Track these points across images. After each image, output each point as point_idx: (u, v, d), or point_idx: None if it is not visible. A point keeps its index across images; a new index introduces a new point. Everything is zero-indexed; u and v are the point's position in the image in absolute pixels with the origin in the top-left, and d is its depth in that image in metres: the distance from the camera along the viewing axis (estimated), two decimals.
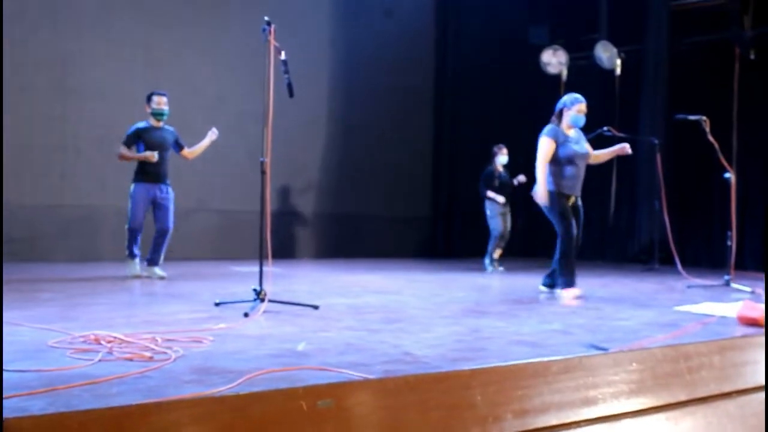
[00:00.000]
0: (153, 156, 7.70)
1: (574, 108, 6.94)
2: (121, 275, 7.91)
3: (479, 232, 13.82)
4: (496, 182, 10.38)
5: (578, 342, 4.25)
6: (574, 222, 6.87)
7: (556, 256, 6.91)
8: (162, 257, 7.97)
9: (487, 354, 3.84)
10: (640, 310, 5.93)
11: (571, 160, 6.86)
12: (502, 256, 10.69)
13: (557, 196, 6.87)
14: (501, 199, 10.37)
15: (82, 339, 3.85)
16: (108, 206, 9.99)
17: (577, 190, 6.97)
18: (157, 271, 7.88)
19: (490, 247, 10.50)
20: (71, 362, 3.32)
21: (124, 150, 7.79)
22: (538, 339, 4.35)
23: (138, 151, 7.83)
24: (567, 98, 7.04)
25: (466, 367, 3.29)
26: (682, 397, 3.14)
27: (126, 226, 7.82)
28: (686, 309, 6.04)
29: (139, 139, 7.83)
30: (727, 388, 3.37)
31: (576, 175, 6.91)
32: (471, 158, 13.67)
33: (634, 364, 3.02)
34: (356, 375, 3.08)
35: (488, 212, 10.50)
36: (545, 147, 6.87)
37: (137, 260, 7.86)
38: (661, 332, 4.62)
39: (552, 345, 4.14)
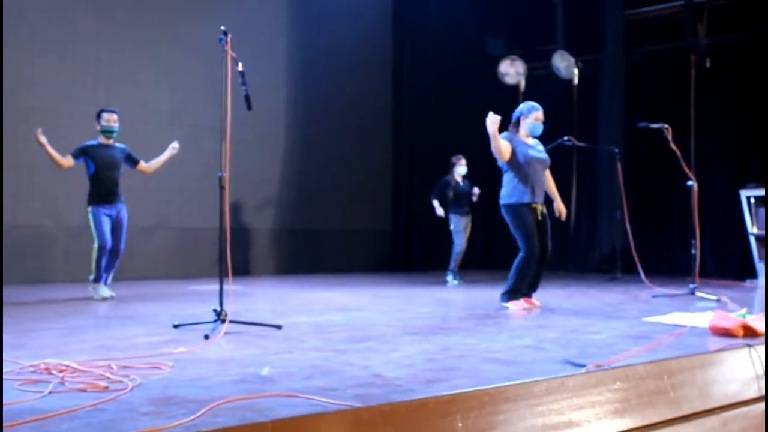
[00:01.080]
0: (39, 135, 7.35)
1: (531, 116, 6.91)
2: (73, 297, 7.68)
3: (439, 246, 13.77)
4: (451, 193, 10.28)
5: (552, 358, 4.12)
6: (536, 240, 6.78)
7: (512, 269, 6.86)
8: (110, 278, 7.80)
9: (461, 374, 3.70)
10: (610, 322, 5.84)
11: (529, 164, 6.81)
12: (460, 267, 10.57)
13: (520, 208, 6.79)
14: (440, 212, 10.26)
15: (31, 369, 3.64)
16: (61, 227, 9.72)
17: (539, 197, 6.90)
18: (107, 290, 7.65)
19: (452, 261, 10.39)
20: (19, 395, 3.11)
21: (52, 153, 7.47)
22: (510, 356, 4.22)
23: (87, 169, 7.62)
24: (523, 106, 7.03)
25: (441, 389, 3.15)
26: (668, 415, 3.01)
27: (94, 246, 7.58)
28: (655, 320, 5.97)
29: (84, 155, 7.60)
30: (711, 404, 3.25)
31: (537, 180, 6.85)
32: (431, 170, 13.59)
33: (618, 383, 2.89)
34: (326, 401, 2.91)
35: (452, 226, 10.40)
36: (501, 142, 6.73)
37: (104, 284, 7.67)
38: (634, 345, 4.52)
39: (526, 362, 4.00)
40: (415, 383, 3.44)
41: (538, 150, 6.95)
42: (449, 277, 10.33)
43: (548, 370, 3.69)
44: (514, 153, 6.80)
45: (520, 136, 6.92)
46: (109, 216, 7.62)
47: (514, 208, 6.81)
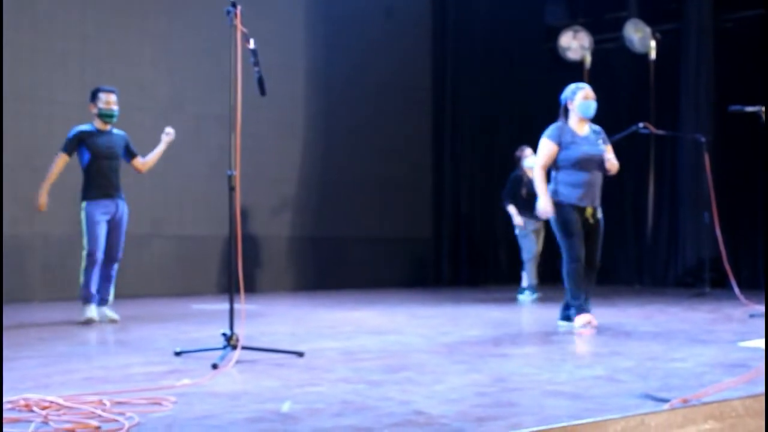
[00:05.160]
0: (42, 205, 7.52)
1: (577, 97, 7.01)
2: (55, 319, 7.71)
3: (492, 256, 13.77)
4: (524, 191, 10.18)
5: (629, 392, 4.10)
6: (579, 241, 6.87)
7: (564, 281, 6.99)
8: (112, 294, 7.78)
9: (519, 410, 3.69)
10: (698, 348, 5.80)
11: (579, 164, 6.88)
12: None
13: (561, 207, 6.91)
14: (518, 219, 10.22)
15: (9, 405, 3.66)
16: (36, 235, 9.79)
17: (592, 200, 6.94)
18: (108, 312, 7.66)
19: (524, 274, 10.32)
20: None
21: (49, 177, 7.57)
22: (578, 389, 4.21)
23: (81, 160, 7.63)
24: (567, 89, 7.12)
25: (496, 430, 3.15)
26: None
27: (83, 253, 7.58)
28: (753, 344, 5.91)
29: (81, 144, 7.61)
30: None
31: (587, 182, 6.92)
32: (478, 167, 13.61)
33: (710, 422, 2.88)
34: None
35: (517, 230, 10.34)
36: (543, 150, 6.98)
37: (95, 304, 7.62)
38: (728, 375, 4.47)
39: (597, 397, 3.98)
40: (464, 422, 3.43)
41: (591, 143, 6.97)
42: (522, 295, 10.29)
43: (624, 406, 3.65)
44: (559, 155, 6.92)
45: (570, 125, 7.00)
46: (107, 214, 7.61)
47: (559, 209, 6.91)
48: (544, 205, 6.89)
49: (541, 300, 10.15)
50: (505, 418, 3.52)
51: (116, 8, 10.65)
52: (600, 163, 6.99)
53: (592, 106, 7.00)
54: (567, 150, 6.90)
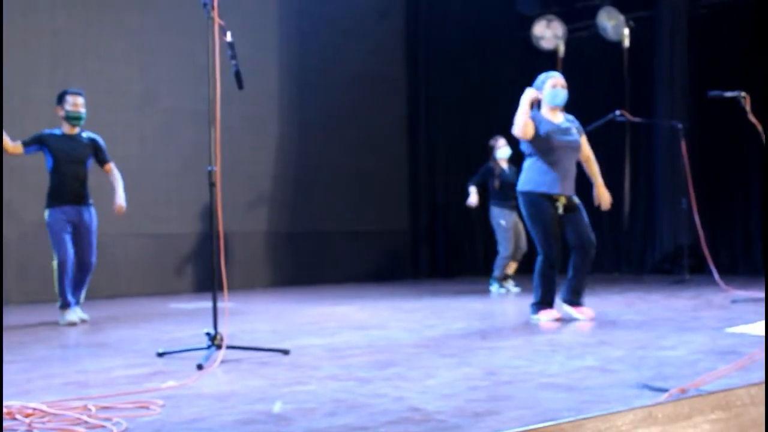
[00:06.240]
0: (10, 146, 7.26)
1: (546, 85, 6.97)
2: (32, 322, 7.64)
3: (470, 247, 13.74)
4: (496, 183, 10.10)
5: (623, 382, 4.08)
6: (555, 239, 6.80)
7: (533, 276, 6.93)
8: (83, 296, 7.70)
9: (515, 404, 3.66)
10: (686, 335, 5.79)
11: (552, 152, 6.81)
12: (517, 271, 10.41)
13: (538, 199, 6.84)
14: (473, 199, 10.11)
15: None
16: (14, 234, 9.64)
17: (566, 188, 6.86)
18: (78, 313, 7.56)
19: (496, 268, 10.20)
20: None
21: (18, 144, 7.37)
22: (572, 380, 4.18)
23: (47, 164, 7.51)
24: (538, 79, 7.07)
25: (495, 425, 3.09)
26: None
27: (53, 263, 7.48)
28: (740, 330, 5.91)
29: (41, 144, 7.46)
30: None
31: (563, 168, 6.85)
32: (454, 157, 13.56)
33: (717, 412, 2.82)
34: None
35: (501, 222, 10.13)
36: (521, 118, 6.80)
37: (74, 308, 7.53)
38: (721, 362, 4.47)
39: (593, 388, 3.95)
40: (461, 417, 3.40)
41: (565, 131, 6.91)
42: (493, 287, 10.18)
43: (623, 397, 3.63)
44: (536, 135, 6.83)
45: (543, 114, 6.94)
46: (71, 222, 7.49)
47: (531, 198, 6.86)
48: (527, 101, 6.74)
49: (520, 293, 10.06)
50: (502, 412, 3.49)
51: (87, 3, 10.48)
52: (574, 152, 6.94)
53: (561, 94, 6.94)
54: (540, 134, 6.80)
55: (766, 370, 3.76)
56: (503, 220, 10.11)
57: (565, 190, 6.86)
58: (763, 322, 6.23)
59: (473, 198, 10.14)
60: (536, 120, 6.85)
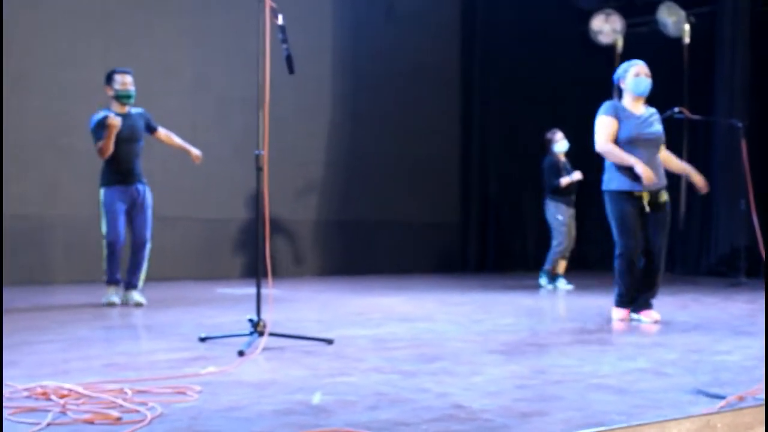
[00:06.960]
0: (116, 122, 7.19)
1: (629, 74, 6.68)
2: (75, 302, 7.64)
3: (518, 241, 13.61)
4: (564, 177, 9.88)
5: (678, 387, 3.93)
6: (633, 233, 6.51)
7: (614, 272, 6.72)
8: (142, 279, 7.67)
9: (564, 404, 3.53)
10: (743, 339, 5.62)
11: (633, 144, 6.53)
12: (567, 269, 10.22)
13: (619, 197, 6.57)
14: (578, 174, 9.88)
15: (25, 393, 3.55)
16: (58, 216, 9.68)
17: (651, 184, 6.57)
18: (136, 296, 7.53)
19: (548, 261, 10.02)
20: (11, 428, 3.02)
21: (100, 143, 7.33)
22: (623, 382, 4.05)
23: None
24: (620, 68, 6.82)
25: (543, 426, 2.99)
26: None
27: (104, 241, 7.47)
28: None
29: (106, 130, 7.42)
30: None
31: (646, 162, 6.53)
32: (507, 151, 13.44)
33: None
34: None
35: (558, 216, 9.90)
36: (603, 128, 6.58)
37: (119, 286, 7.53)
38: None
39: (646, 391, 3.81)
40: (508, 417, 3.30)
41: (647, 122, 6.66)
42: (543, 280, 9.99)
43: (678, 402, 3.51)
44: (618, 131, 6.57)
45: (624, 104, 6.68)
46: (125, 201, 7.47)
47: (612, 196, 6.61)
48: (644, 170, 6.39)
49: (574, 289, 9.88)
50: (551, 413, 3.37)
51: None
52: (658, 144, 6.70)
53: (644, 83, 6.63)
54: (623, 128, 6.56)
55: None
56: (560, 215, 9.92)
57: (649, 186, 6.59)
58: None
59: (577, 173, 9.94)
60: (619, 116, 6.58)
